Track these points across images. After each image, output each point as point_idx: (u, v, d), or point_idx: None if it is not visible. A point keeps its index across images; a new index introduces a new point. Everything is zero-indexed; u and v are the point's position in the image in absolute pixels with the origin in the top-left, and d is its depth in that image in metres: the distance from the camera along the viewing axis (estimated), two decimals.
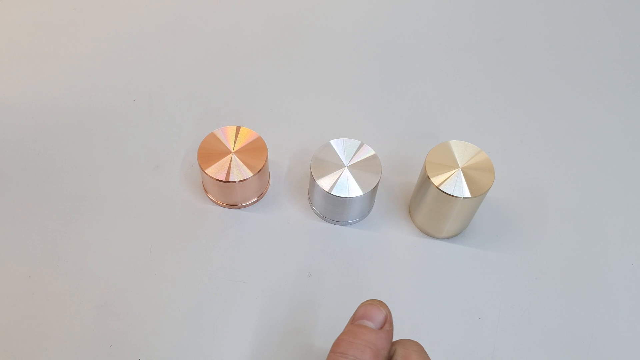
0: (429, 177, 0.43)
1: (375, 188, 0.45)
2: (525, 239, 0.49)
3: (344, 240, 0.48)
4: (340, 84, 0.59)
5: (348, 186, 0.44)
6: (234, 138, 0.47)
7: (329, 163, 0.45)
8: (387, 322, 0.32)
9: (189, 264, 0.46)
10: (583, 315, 0.45)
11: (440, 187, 0.42)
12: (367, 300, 0.33)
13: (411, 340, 0.33)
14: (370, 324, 0.32)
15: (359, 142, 0.47)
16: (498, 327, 0.44)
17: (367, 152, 0.46)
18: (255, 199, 0.50)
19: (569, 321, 0.45)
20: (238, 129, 0.48)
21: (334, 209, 0.47)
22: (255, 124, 0.53)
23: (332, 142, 0.47)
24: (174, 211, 0.49)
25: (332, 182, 0.45)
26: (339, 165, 0.45)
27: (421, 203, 0.46)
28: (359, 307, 0.33)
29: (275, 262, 0.46)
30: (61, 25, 0.63)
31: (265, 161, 0.46)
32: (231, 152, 0.46)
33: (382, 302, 0.33)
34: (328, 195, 0.45)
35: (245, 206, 0.49)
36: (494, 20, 0.66)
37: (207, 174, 0.45)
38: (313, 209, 0.49)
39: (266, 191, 0.51)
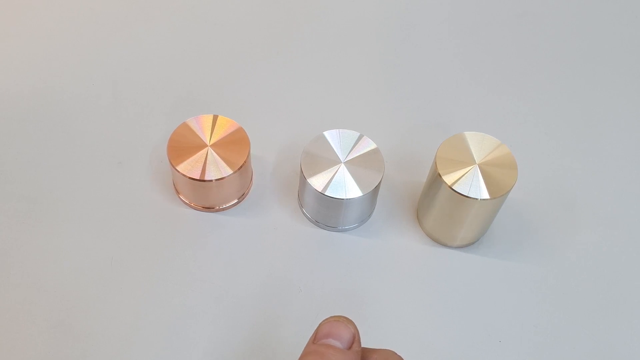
0: (440, 175, 0.43)
1: (376, 188, 0.45)
2: (551, 248, 0.49)
3: (340, 249, 0.48)
4: (336, 67, 0.59)
5: (345, 186, 0.44)
6: (210, 129, 0.47)
7: (322, 158, 0.45)
8: (355, 342, 0.33)
9: (158, 276, 0.46)
10: (617, 337, 0.45)
11: (453, 187, 0.42)
12: (332, 317, 0.34)
13: (392, 352, 0.33)
14: (338, 344, 0.32)
15: (358, 134, 0.47)
16: (521, 351, 0.44)
17: (368, 145, 0.46)
18: (236, 200, 0.49)
19: (601, 344, 0.44)
20: (215, 118, 0.47)
21: (329, 213, 0.46)
22: (236, 112, 0.53)
23: (326, 133, 0.46)
24: (140, 215, 0.49)
25: (326, 181, 0.44)
26: (334, 161, 0.45)
27: (431, 205, 0.46)
28: (322, 324, 0.33)
29: (260, 275, 0.46)
30: None
31: (247, 156, 0.46)
32: (207, 146, 0.46)
33: (348, 318, 0.33)
34: (321, 196, 0.44)
35: (223, 209, 0.49)
36: None
37: (178, 172, 0.45)
38: (304, 213, 0.49)
39: (248, 192, 0.50)
